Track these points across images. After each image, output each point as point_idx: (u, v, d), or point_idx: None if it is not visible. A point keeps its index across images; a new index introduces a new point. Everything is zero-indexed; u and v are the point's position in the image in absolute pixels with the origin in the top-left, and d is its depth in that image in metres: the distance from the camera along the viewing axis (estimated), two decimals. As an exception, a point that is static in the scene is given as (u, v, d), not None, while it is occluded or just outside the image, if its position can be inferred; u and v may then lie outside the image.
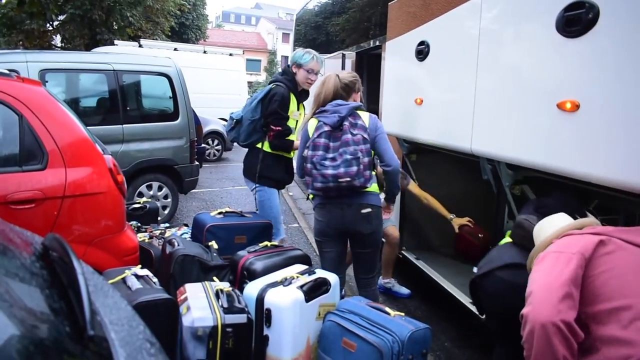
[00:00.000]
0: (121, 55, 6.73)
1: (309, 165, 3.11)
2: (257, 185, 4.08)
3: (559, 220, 2.12)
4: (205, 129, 11.97)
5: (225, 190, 9.39)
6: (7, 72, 3.20)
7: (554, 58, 2.60)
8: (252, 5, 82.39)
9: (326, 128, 3.11)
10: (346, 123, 3.12)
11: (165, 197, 6.62)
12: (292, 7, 70.69)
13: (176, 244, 3.12)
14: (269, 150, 4.06)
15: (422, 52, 4.09)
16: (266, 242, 3.33)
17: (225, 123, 13.26)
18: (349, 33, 7.15)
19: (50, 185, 2.97)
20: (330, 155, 3.07)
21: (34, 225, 2.91)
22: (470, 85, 3.33)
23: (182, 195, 7.05)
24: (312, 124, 3.25)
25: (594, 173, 2.35)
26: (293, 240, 6.38)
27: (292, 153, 4.23)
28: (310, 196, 3.37)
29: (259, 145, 4.09)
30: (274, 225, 4.04)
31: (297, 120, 4.17)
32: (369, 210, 3.20)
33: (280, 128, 3.95)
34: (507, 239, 2.69)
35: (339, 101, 3.29)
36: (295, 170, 3.49)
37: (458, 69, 3.57)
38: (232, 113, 4.20)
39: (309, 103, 3.77)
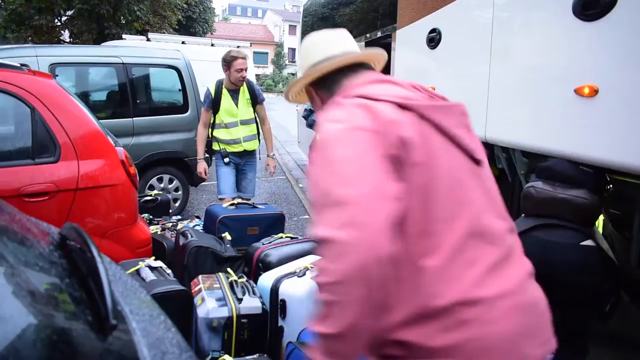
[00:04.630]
0: (130, 48, 6.72)
1: None
2: None
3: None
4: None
5: (235, 182, 9.36)
6: (18, 65, 3.19)
7: (571, 42, 2.55)
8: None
9: None
10: None
11: (176, 189, 6.61)
12: (299, -1, 70.43)
13: (189, 235, 3.12)
14: None
15: (434, 39, 4.04)
16: (281, 234, 3.32)
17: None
18: (357, 23, 7.09)
19: (63, 177, 2.96)
20: None
21: (47, 218, 2.89)
22: (484, 72, 3.29)
23: (192, 187, 7.03)
24: None
25: (613, 159, 2.32)
26: (304, 233, 6.36)
27: None
28: None
29: None
30: None
31: None
32: None
33: None
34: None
35: None
36: None
37: (471, 55, 3.52)
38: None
39: None
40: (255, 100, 4.82)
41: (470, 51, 3.54)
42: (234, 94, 4.68)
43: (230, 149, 4.72)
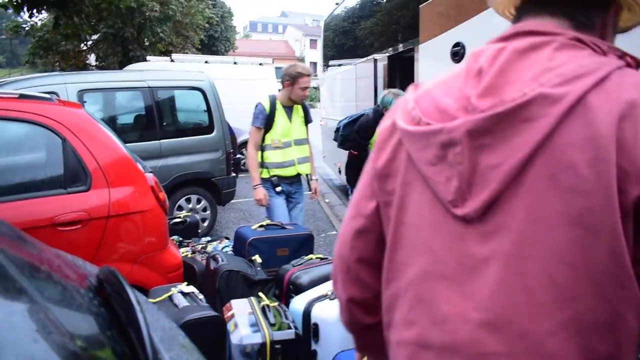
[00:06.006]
0: (155, 71, 6.83)
1: None
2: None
3: None
4: (239, 139, 12.01)
5: (262, 199, 9.37)
6: (48, 96, 3.26)
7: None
8: (278, 14, 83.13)
9: None
10: None
11: (204, 209, 6.66)
12: (319, 14, 71.06)
13: (220, 259, 3.12)
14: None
15: (458, 53, 4.02)
16: (311, 255, 3.30)
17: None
18: (378, 37, 7.10)
19: (94, 205, 3.00)
20: None
21: (80, 246, 2.96)
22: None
23: (220, 206, 7.08)
24: None
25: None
26: (332, 249, 6.33)
27: None
28: None
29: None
30: None
31: None
32: None
33: (357, 153, 4.68)
34: None
35: None
36: None
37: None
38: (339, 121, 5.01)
39: None
40: (308, 120, 4.49)
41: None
42: (289, 110, 4.29)
43: (282, 173, 4.26)
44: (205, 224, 6.65)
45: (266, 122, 4.18)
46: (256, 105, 4.24)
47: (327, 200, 9.39)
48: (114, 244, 3.08)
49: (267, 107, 4.19)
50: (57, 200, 2.95)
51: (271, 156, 4.23)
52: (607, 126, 0.77)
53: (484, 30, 3.69)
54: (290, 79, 4.16)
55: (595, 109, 0.78)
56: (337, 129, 4.91)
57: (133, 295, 0.98)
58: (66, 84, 5.45)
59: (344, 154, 8.74)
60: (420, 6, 4.79)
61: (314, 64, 56.02)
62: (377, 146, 1.07)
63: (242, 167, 12.35)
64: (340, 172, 9.24)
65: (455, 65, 4.07)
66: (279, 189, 4.26)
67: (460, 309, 0.87)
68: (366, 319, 1.18)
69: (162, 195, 3.36)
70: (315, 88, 53.12)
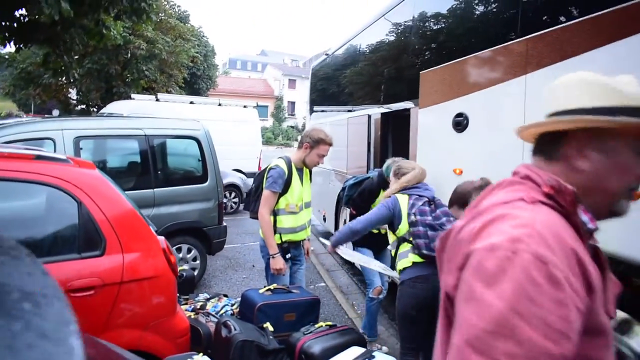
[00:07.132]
0: (152, 120, 6.83)
1: (421, 228, 3.31)
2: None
3: None
4: (224, 181, 11.99)
5: (247, 246, 9.33)
6: (64, 157, 3.26)
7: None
8: (257, 52, 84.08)
9: (425, 199, 3.50)
10: (437, 198, 3.58)
11: (194, 259, 6.61)
12: (298, 54, 72.12)
13: (232, 327, 3.11)
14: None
15: (461, 123, 4.14)
16: (321, 323, 3.32)
17: (240, 175, 13.41)
18: (371, 93, 7.25)
19: (108, 271, 2.98)
20: (439, 222, 3.34)
21: (91, 312, 2.92)
22: (517, 160, 3.35)
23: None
24: (404, 198, 3.55)
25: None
26: (322, 302, 6.31)
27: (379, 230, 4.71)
28: (399, 269, 3.45)
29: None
30: (366, 277, 4.83)
31: None
32: None
33: (355, 212, 4.66)
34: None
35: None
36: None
37: (503, 142, 3.59)
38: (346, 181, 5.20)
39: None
40: (310, 180, 4.39)
41: (502, 138, 3.61)
42: (300, 173, 4.21)
43: (294, 238, 4.16)
44: (195, 273, 6.57)
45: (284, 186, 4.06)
46: (273, 168, 4.06)
47: (312, 248, 9.34)
48: (125, 310, 3.04)
49: (286, 170, 4.06)
50: (71, 266, 2.92)
51: (285, 221, 4.09)
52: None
53: (490, 103, 3.83)
54: (312, 142, 4.10)
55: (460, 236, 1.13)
56: (344, 188, 5.14)
57: None
58: (63, 130, 5.42)
59: (330, 201, 8.79)
60: (421, 72, 4.94)
61: (292, 103, 56.70)
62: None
63: (224, 211, 12.29)
64: (325, 219, 9.27)
65: (457, 134, 4.20)
66: (288, 256, 4.14)
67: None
68: None
69: (173, 258, 3.36)
70: (292, 127, 53.50)
